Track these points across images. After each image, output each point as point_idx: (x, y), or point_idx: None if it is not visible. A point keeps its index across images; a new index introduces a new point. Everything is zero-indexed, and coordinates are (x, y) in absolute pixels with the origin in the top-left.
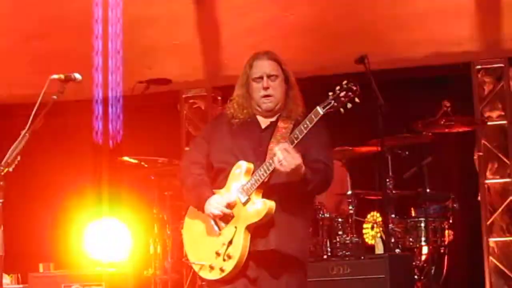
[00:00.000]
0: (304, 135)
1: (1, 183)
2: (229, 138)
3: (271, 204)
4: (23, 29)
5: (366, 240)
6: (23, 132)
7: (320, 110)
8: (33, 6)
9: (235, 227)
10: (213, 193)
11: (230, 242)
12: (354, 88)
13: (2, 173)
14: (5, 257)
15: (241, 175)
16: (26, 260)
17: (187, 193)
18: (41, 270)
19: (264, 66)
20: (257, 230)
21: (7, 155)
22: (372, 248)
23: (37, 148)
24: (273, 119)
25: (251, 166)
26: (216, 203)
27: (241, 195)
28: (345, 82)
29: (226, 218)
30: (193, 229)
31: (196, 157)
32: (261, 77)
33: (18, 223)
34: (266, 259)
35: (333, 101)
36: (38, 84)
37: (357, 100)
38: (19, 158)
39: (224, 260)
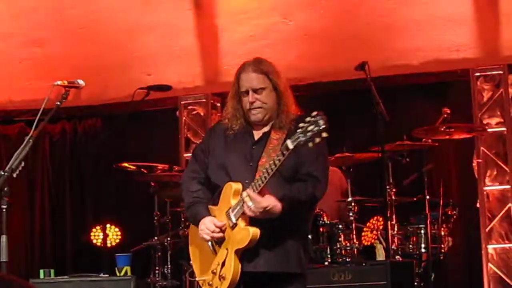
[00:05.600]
0: (298, 144)
1: (6, 189)
2: (223, 153)
3: (254, 232)
4: (23, 35)
5: (363, 242)
6: (26, 138)
7: (289, 144)
8: (33, 12)
9: (227, 249)
10: (207, 213)
11: (223, 264)
12: (321, 122)
13: (6, 179)
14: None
15: (230, 196)
16: (27, 266)
17: (185, 211)
18: (41, 276)
19: (249, 80)
20: (247, 252)
21: (11, 161)
22: (371, 251)
23: (37, 153)
24: (266, 129)
25: (239, 187)
26: (206, 229)
27: (229, 218)
28: (315, 113)
29: (219, 240)
30: (196, 243)
31: (195, 171)
32: (247, 91)
33: (19, 229)
34: (258, 280)
35: (301, 135)
36: (37, 90)
37: (324, 135)
38: (23, 164)
39: (219, 279)
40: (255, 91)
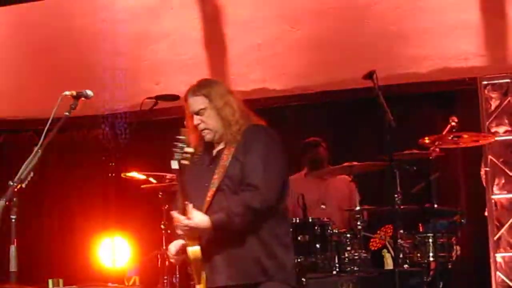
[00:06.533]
0: (243, 152)
1: (15, 199)
2: (188, 176)
3: (192, 251)
4: (31, 44)
5: (370, 247)
6: (36, 148)
7: (172, 164)
8: (41, 22)
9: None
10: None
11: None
12: (183, 139)
13: (16, 189)
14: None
15: None
16: (35, 276)
17: None
18: (50, 286)
19: (190, 105)
20: (207, 268)
21: (20, 171)
22: (379, 260)
23: (45, 164)
24: (221, 146)
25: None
26: (169, 253)
27: None
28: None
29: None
30: None
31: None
32: (192, 116)
33: (28, 239)
34: None
35: (176, 154)
36: (46, 99)
37: (187, 150)
38: (32, 174)
39: None
40: (197, 113)
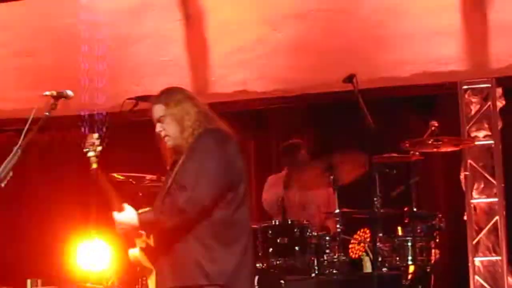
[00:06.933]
0: (187, 155)
1: None
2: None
3: (132, 253)
4: (11, 44)
5: (351, 254)
6: (15, 148)
7: (93, 165)
8: (22, 22)
9: None
10: None
11: None
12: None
13: None
14: None
15: None
16: (14, 276)
17: None
18: (28, 286)
19: (153, 113)
20: (156, 270)
21: None
22: (357, 264)
23: (25, 163)
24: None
25: None
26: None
27: None
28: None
29: None
30: None
31: None
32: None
33: (6, 238)
34: None
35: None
36: (26, 99)
37: (89, 154)
38: (11, 173)
39: None
40: (158, 121)
